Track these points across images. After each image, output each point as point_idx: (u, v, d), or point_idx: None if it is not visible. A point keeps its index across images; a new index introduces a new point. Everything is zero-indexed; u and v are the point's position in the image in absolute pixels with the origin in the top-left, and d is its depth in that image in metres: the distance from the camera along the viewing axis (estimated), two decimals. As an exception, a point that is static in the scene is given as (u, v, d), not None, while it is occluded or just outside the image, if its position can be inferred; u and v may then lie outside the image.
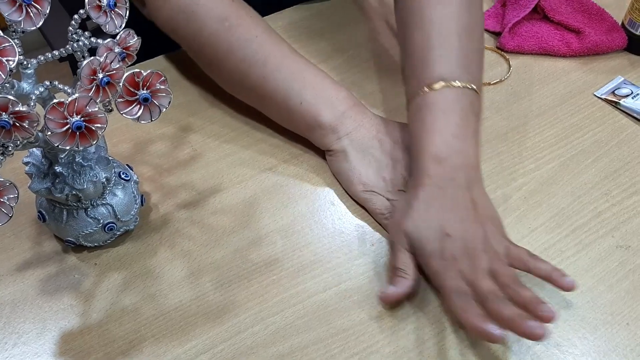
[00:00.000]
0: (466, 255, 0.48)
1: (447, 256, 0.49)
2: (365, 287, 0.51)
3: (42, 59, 0.46)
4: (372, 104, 0.67)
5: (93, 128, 0.42)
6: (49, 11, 0.44)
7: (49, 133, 0.41)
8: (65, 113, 0.40)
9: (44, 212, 0.51)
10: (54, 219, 0.51)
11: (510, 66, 0.71)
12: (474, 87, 0.56)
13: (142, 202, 0.54)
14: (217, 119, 0.65)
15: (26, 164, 0.50)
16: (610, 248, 0.54)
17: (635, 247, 0.54)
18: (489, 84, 0.69)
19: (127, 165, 0.55)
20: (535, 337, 0.43)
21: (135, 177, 0.54)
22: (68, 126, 0.41)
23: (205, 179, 0.60)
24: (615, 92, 0.67)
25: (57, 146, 0.42)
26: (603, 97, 0.67)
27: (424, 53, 0.58)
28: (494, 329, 0.44)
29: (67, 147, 0.42)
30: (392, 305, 0.50)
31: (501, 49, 0.73)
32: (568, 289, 0.48)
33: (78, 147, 0.42)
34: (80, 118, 0.41)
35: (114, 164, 0.53)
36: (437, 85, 0.55)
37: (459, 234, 0.49)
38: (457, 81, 0.55)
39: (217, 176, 0.60)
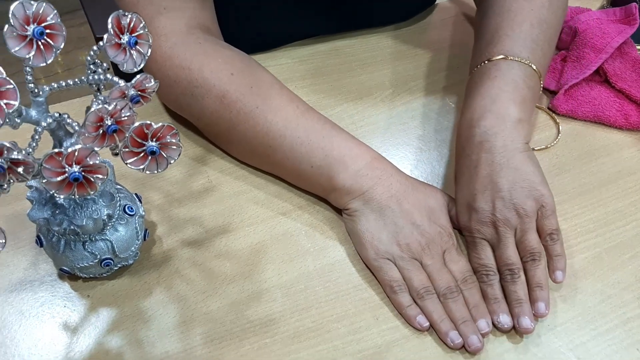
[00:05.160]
0: (491, 225, 0.53)
1: (472, 228, 0.54)
2: (360, 368, 0.48)
3: (55, 86, 0.43)
4: (403, 156, 0.64)
5: (92, 179, 0.40)
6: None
7: (45, 181, 0.39)
8: (63, 163, 0.38)
9: (42, 237, 0.50)
10: (50, 246, 0.49)
11: (559, 132, 0.66)
12: (534, 66, 0.58)
13: (145, 237, 0.52)
14: (238, 148, 0.63)
15: (29, 187, 0.48)
16: (633, 363, 0.50)
17: (661, 366, 0.50)
18: (533, 149, 0.64)
19: (135, 194, 0.53)
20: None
21: (141, 211, 0.52)
22: (65, 176, 0.38)
23: (216, 215, 0.57)
24: (670, 179, 0.62)
25: (53, 193, 0.39)
26: (655, 183, 0.62)
27: (492, 34, 0.61)
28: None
29: (63, 196, 0.39)
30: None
31: (553, 110, 0.68)
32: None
33: (75, 196, 0.40)
34: (80, 169, 0.39)
35: (120, 195, 0.51)
36: (496, 58, 0.58)
37: (482, 206, 0.53)
38: (517, 57, 0.58)
39: (228, 214, 0.57)
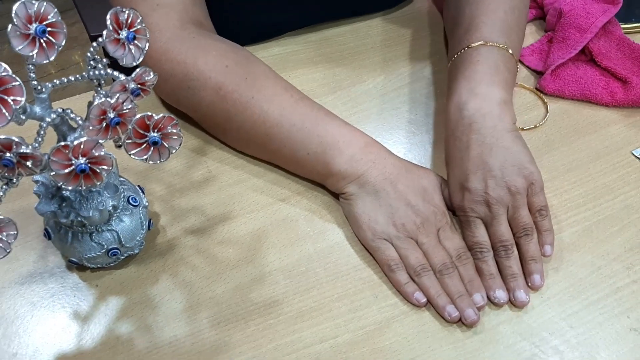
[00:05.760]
0: (484, 204, 0.54)
1: (466, 207, 0.55)
2: (362, 344, 0.50)
3: (57, 83, 0.45)
4: (397, 140, 0.65)
5: (98, 170, 0.41)
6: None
7: (53, 173, 0.40)
8: (70, 155, 0.40)
9: (50, 230, 0.51)
10: (59, 238, 0.51)
11: (547, 112, 0.68)
12: (510, 51, 0.62)
13: (149, 226, 0.54)
14: (236, 138, 0.64)
15: (36, 182, 0.50)
16: (624, 330, 0.52)
17: (651, 331, 0.52)
18: (522, 129, 0.66)
19: (138, 186, 0.54)
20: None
21: (144, 202, 0.53)
22: (72, 168, 0.40)
23: (217, 204, 0.59)
24: (656, 153, 0.64)
25: (61, 185, 0.41)
26: (641, 157, 0.64)
27: (469, 22, 0.64)
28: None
29: (70, 188, 0.41)
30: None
31: (541, 90, 0.70)
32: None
33: (82, 187, 0.42)
34: (86, 161, 0.40)
35: (124, 187, 0.52)
36: (475, 44, 0.61)
37: (475, 185, 0.55)
38: (495, 42, 0.61)
39: (229, 203, 0.59)
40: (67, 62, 2.00)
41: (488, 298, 0.53)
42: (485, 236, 0.55)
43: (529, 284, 0.53)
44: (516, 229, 0.55)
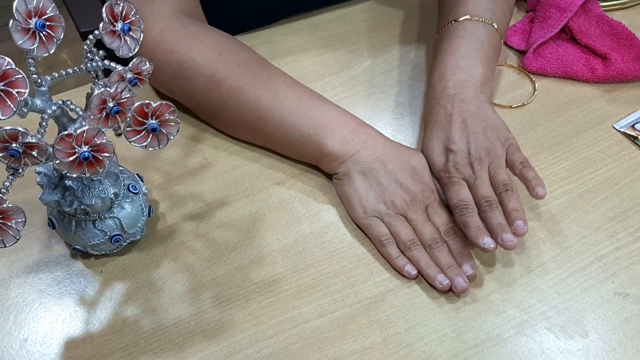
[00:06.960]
0: (468, 165, 0.57)
1: (450, 168, 0.57)
2: (359, 317, 0.52)
3: (56, 75, 0.47)
4: (386, 122, 0.67)
5: (100, 157, 0.43)
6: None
7: (57, 162, 0.42)
8: (74, 144, 0.41)
9: (53, 220, 0.53)
10: (63, 227, 0.52)
11: (535, 90, 0.70)
12: (495, 25, 0.65)
13: (149, 213, 0.56)
14: (230, 126, 0.66)
15: (38, 173, 0.51)
16: (608, 294, 0.54)
17: (634, 295, 0.54)
18: (511, 107, 0.68)
19: (137, 175, 0.56)
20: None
21: (144, 189, 0.55)
22: (76, 156, 0.42)
23: (214, 190, 0.61)
24: (636, 125, 0.66)
25: (66, 173, 0.43)
26: (622, 130, 0.66)
27: None
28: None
29: (75, 175, 0.43)
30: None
31: (523, 69, 0.72)
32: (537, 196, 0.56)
33: (85, 174, 0.43)
34: (88, 148, 0.42)
35: (124, 176, 0.54)
36: (461, 19, 0.64)
37: (460, 147, 0.58)
38: (481, 17, 0.64)
39: (226, 188, 0.61)
40: (54, 61, 2.00)
41: (478, 246, 0.54)
42: (470, 195, 0.57)
43: (514, 231, 0.54)
44: (497, 187, 0.57)
